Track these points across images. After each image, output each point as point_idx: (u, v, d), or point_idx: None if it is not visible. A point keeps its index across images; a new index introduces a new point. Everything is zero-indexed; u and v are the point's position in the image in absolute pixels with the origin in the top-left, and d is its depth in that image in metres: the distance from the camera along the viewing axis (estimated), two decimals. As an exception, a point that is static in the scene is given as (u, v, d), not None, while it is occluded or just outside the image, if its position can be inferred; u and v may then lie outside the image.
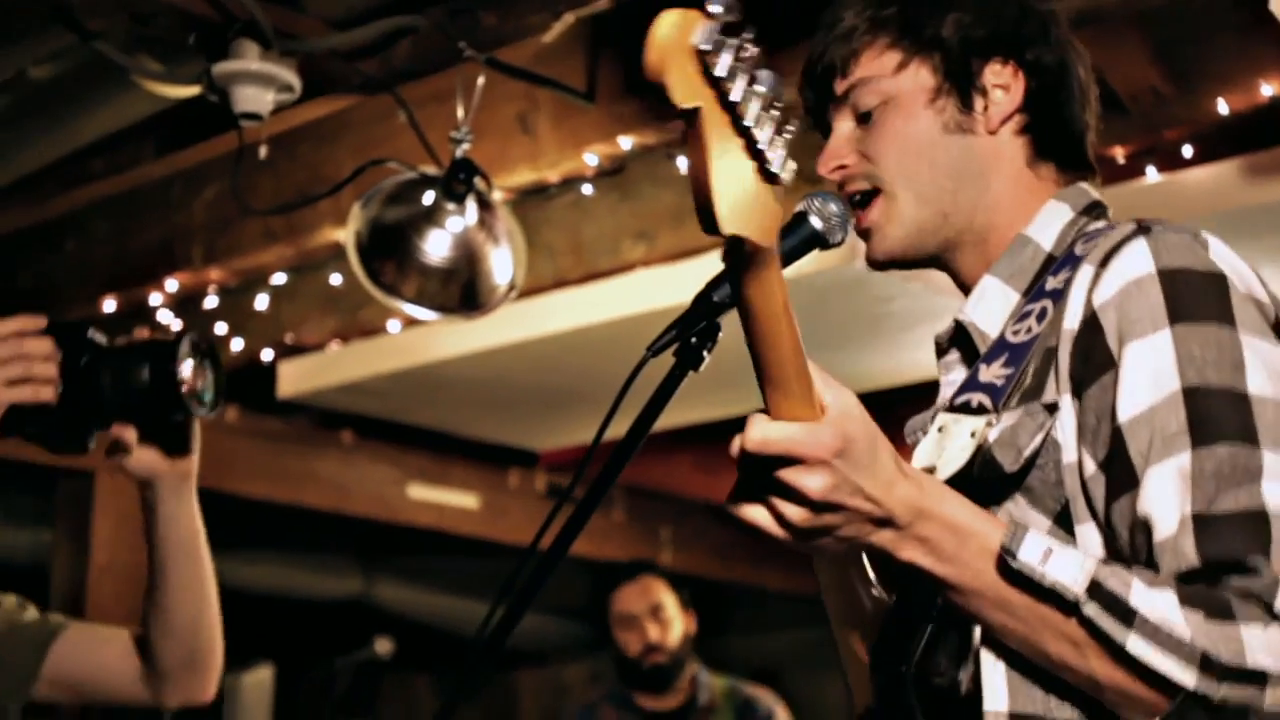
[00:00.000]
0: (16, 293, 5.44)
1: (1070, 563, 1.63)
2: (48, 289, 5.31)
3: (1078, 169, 2.00)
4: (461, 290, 3.81)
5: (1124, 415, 1.71)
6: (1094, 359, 1.75)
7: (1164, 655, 1.59)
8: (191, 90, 3.79)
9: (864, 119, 1.97)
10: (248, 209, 4.24)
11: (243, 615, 8.05)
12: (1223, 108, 3.74)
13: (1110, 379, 1.73)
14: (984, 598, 1.66)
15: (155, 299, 5.12)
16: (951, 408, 1.86)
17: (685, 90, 1.43)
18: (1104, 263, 1.78)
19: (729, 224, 1.48)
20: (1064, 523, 1.76)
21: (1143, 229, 1.80)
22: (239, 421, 6.49)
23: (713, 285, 1.88)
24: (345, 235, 3.86)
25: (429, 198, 3.77)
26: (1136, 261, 1.76)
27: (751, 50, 1.44)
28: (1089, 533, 1.75)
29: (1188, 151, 3.95)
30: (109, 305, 5.14)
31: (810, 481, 1.58)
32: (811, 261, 1.97)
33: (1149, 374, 1.70)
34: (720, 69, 1.42)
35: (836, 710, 6.21)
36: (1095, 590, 1.61)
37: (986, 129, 1.96)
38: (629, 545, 8.00)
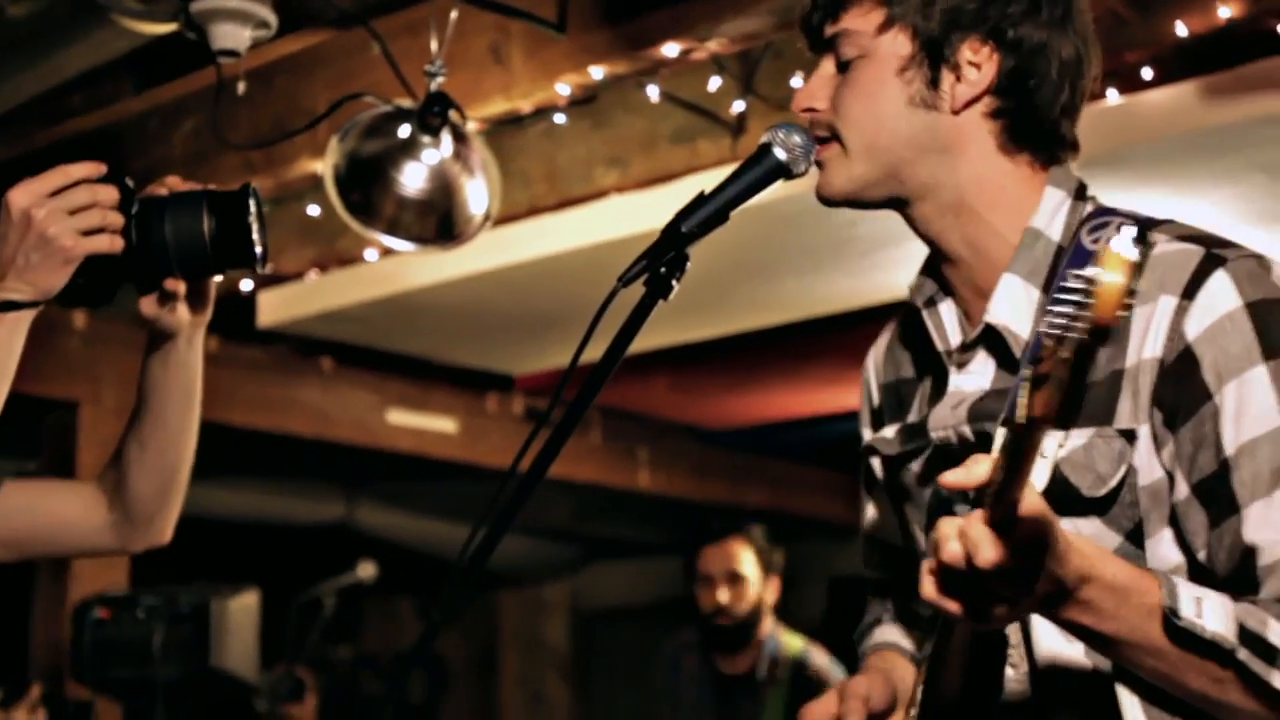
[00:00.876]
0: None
1: (1218, 612, 1.73)
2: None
3: (1054, 149, 2.00)
4: (438, 221, 3.89)
5: (1230, 448, 1.79)
6: (1189, 392, 1.81)
7: None
8: (169, 27, 3.85)
9: (843, 68, 1.99)
10: (227, 143, 4.30)
11: (228, 541, 8.18)
12: (1181, 30, 3.80)
13: (1210, 411, 1.80)
14: (1141, 649, 1.74)
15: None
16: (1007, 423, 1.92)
17: None
18: (1186, 294, 1.83)
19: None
20: (1135, 538, 1.85)
21: (1215, 257, 1.85)
22: (220, 350, 6.55)
23: (681, 216, 1.96)
24: (323, 168, 3.92)
25: (404, 131, 3.83)
26: (1224, 296, 1.82)
27: None
28: (1157, 545, 1.85)
29: (1147, 74, 4.02)
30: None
31: (1017, 587, 1.63)
32: (778, 187, 2.02)
33: (1252, 410, 1.78)
34: None
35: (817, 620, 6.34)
36: (1244, 635, 1.72)
37: (950, 108, 1.95)
38: (606, 466, 8.11)
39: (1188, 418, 1.82)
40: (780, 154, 1.98)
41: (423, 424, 7.40)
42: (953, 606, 1.65)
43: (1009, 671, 1.92)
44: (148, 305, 2.34)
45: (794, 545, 6.15)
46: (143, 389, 2.43)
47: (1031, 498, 1.60)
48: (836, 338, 5.98)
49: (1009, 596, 1.63)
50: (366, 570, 6.73)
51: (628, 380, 6.82)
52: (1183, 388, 1.82)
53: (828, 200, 2.04)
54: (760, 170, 1.98)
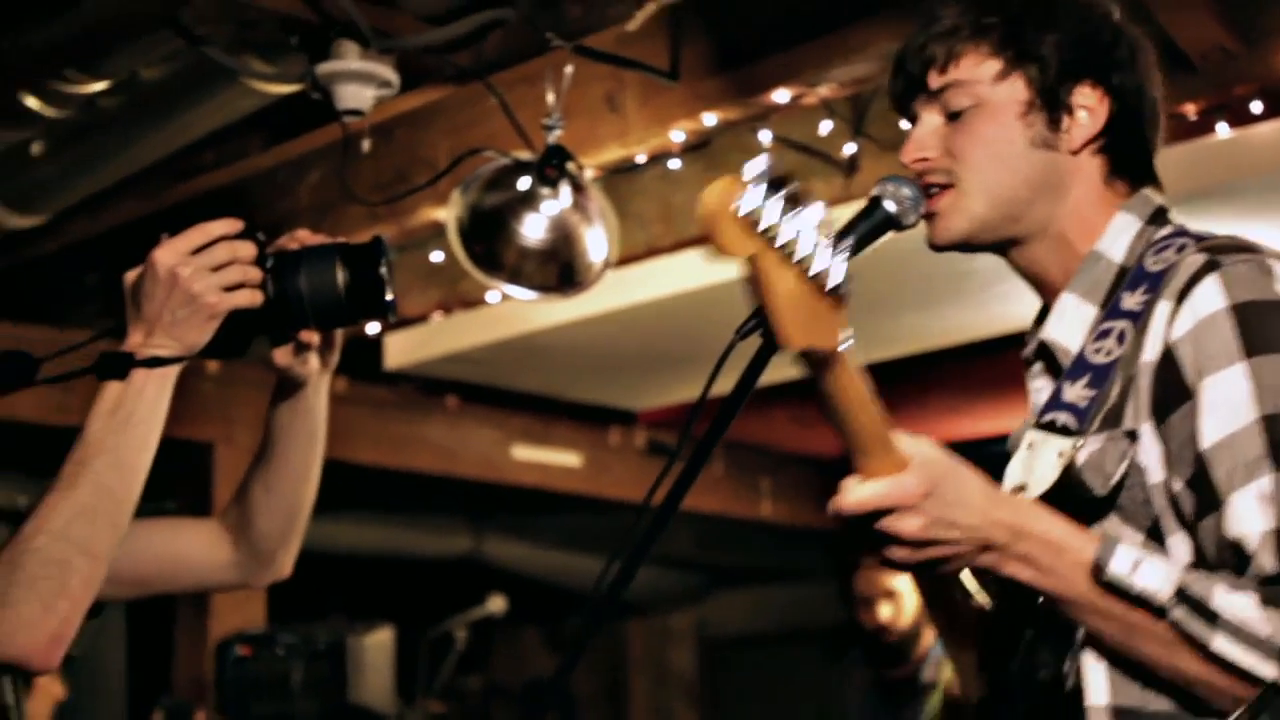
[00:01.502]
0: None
1: (1158, 572, 1.81)
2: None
3: (1147, 181, 2.11)
4: (559, 270, 4.00)
5: (1205, 443, 1.86)
6: (1173, 391, 1.89)
7: (1246, 651, 1.77)
8: (295, 88, 3.99)
9: (953, 117, 2.07)
10: (353, 197, 4.44)
11: (359, 577, 8.32)
12: (1290, 64, 3.84)
13: (1189, 409, 1.87)
14: (1082, 605, 1.84)
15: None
16: (1039, 425, 2.00)
17: (736, 245, 1.64)
18: (1180, 298, 1.91)
19: (796, 340, 1.71)
20: (1156, 536, 1.91)
21: (1212, 263, 1.93)
22: (349, 391, 6.71)
23: None
24: (446, 219, 4.04)
25: (524, 183, 3.94)
26: (1209, 299, 1.90)
27: (793, 192, 1.64)
28: (1179, 544, 1.90)
29: (1257, 108, 4.04)
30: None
31: (905, 525, 1.79)
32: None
33: (1227, 405, 1.85)
34: (764, 223, 1.63)
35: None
36: (1182, 595, 1.79)
37: (1069, 148, 2.06)
38: (730, 497, 8.18)
39: (1170, 416, 1.90)
40: (890, 206, 2.06)
41: (547, 459, 7.52)
42: (886, 555, 1.82)
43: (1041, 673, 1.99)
44: (281, 355, 2.43)
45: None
46: (270, 433, 2.52)
47: (921, 445, 1.80)
48: (955, 369, 6.03)
49: (911, 543, 1.79)
50: (496, 604, 6.85)
51: (749, 413, 6.87)
52: (1168, 388, 1.90)
53: (942, 247, 2.13)
54: (871, 223, 2.06)
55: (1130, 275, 2.01)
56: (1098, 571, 1.82)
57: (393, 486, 7.42)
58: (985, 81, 2.05)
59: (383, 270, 2.35)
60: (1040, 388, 2.10)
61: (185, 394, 2.31)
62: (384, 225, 4.95)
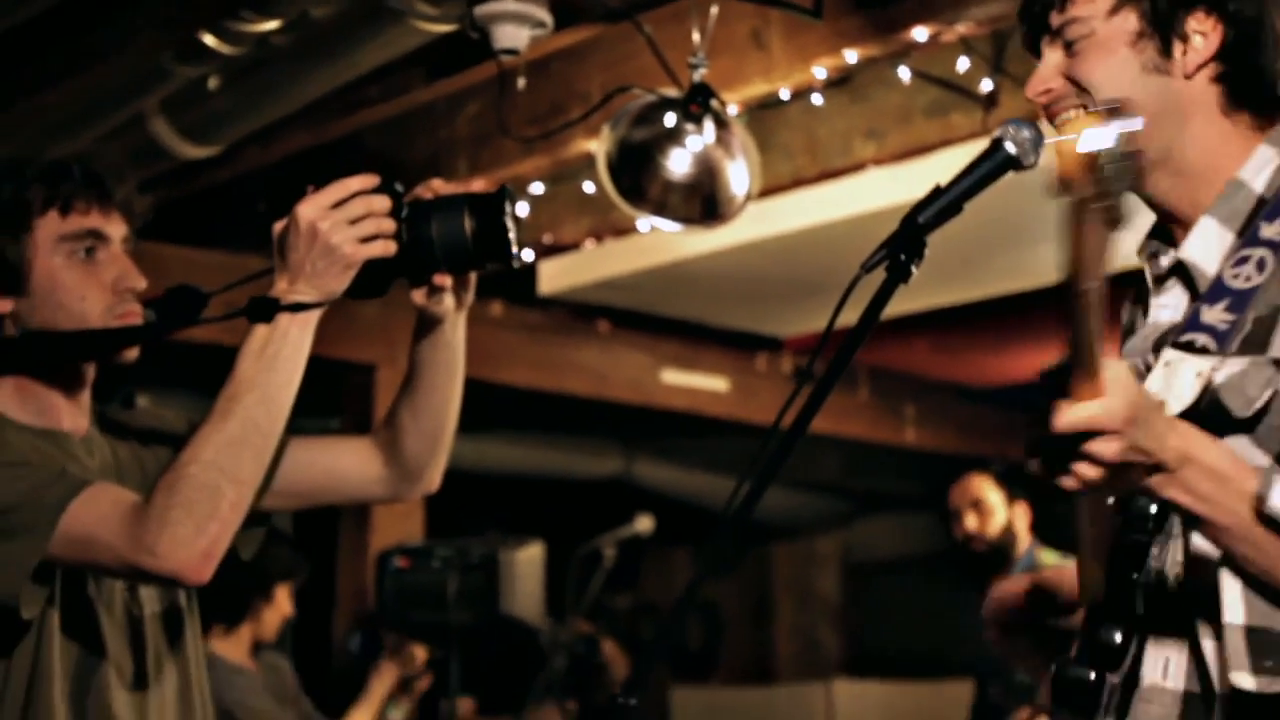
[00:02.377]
0: (294, 204, 5.94)
1: None
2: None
3: (1273, 112, 2.15)
4: (702, 202, 4.19)
5: None
6: None
7: None
8: (455, 27, 4.20)
9: (1071, 51, 2.14)
10: (509, 134, 4.64)
11: (513, 495, 8.56)
12: None
13: None
14: (1235, 534, 1.92)
15: (426, 208, 5.56)
16: (1177, 344, 2.07)
17: (1080, 188, 1.74)
18: None
19: (1090, 281, 1.76)
20: None
21: None
22: (504, 315, 6.94)
23: (918, 208, 2.14)
24: (596, 154, 4.24)
25: (670, 119, 4.13)
26: None
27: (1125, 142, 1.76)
28: None
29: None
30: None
31: (1106, 449, 1.84)
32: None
33: None
34: (1109, 181, 1.73)
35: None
36: None
37: (1183, 73, 2.11)
38: (874, 422, 8.32)
39: None
40: (1010, 147, 2.14)
41: (695, 383, 7.70)
42: (1065, 482, 1.87)
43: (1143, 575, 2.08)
44: (418, 295, 2.63)
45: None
46: (413, 364, 2.73)
47: (1119, 370, 1.83)
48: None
49: (1109, 465, 1.85)
50: (644, 524, 7.02)
51: (892, 341, 7.04)
52: None
53: None
54: (991, 164, 2.15)
55: (1270, 206, 2.07)
56: (1259, 503, 1.90)
57: (546, 408, 7.63)
58: (1099, 16, 2.12)
59: (507, 219, 2.51)
60: (1166, 305, 2.16)
61: (349, 318, 2.51)
62: (539, 157, 5.15)
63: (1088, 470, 1.86)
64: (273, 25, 4.38)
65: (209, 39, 4.43)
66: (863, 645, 10.52)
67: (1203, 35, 2.12)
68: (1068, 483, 1.88)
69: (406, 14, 4.20)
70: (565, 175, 5.52)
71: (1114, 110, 1.72)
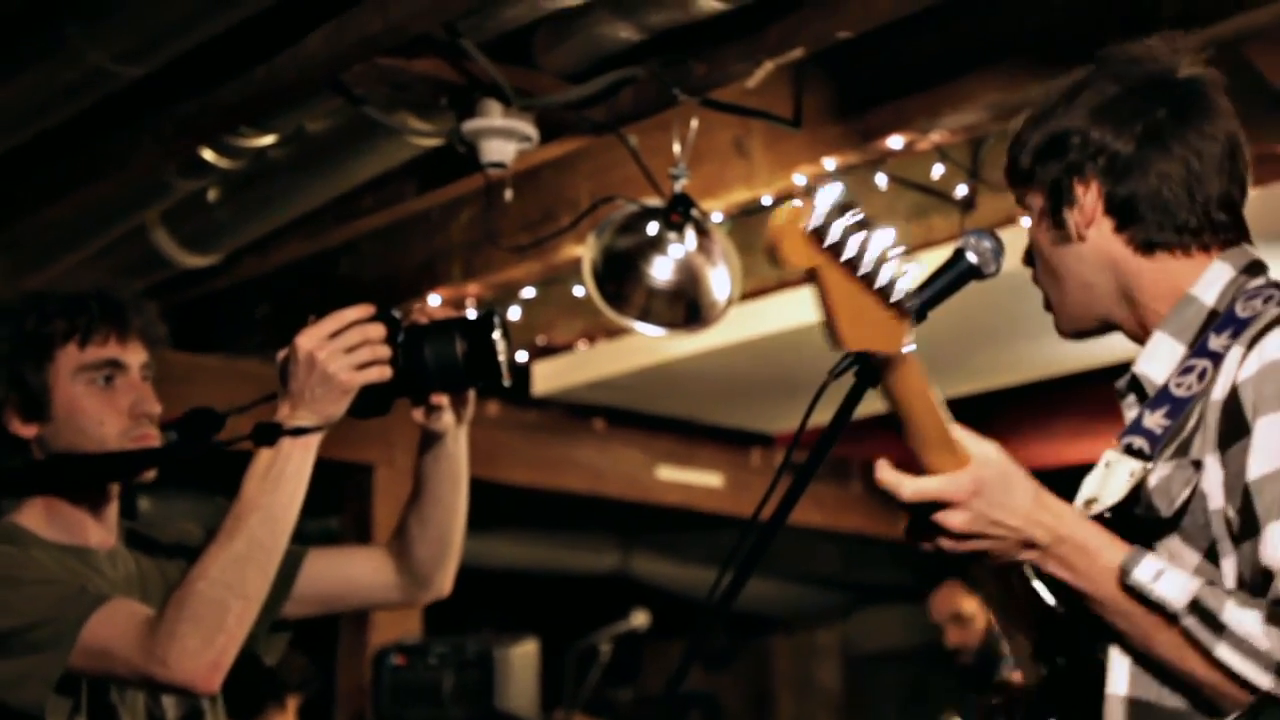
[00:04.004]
0: (291, 313, 6.09)
1: (1176, 583, 2.01)
2: (326, 307, 5.92)
3: (1232, 232, 2.24)
4: (685, 308, 4.32)
5: (1252, 475, 2.04)
6: (1234, 426, 2.06)
7: (1245, 661, 1.97)
8: (444, 141, 4.34)
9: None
10: (496, 244, 4.79)
11: (511, 591, 8.62)
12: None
13: (1244, 444, 2.05)
14: (1108, 606, 2.04)
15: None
16: (1120, 446, 2.18)
17: (801, 256, 1.88)
18: (1252, 344, 2.09)
19: (851, 342, 1.92)
20: (1212, 558, 2.09)
21: None
22: (501, 415, 7.05)
23: None
24: (583, 262, 4.38)
25: (653, 228, 4.27)
26: (1276, 346, 2.07)
27: (861, 216, 1.88)
28: (1231, 566, 2.07)
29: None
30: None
31: (951, 519, 2.00)
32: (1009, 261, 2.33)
33: (1275, 443, 2.03)
34: (829, 239, 1.87)
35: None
36: (1194, 606, 1.99)
37: (1078, 236, 2.22)
38: (869, 516, 8.40)
39: (1230, 449, 2.08)
40: (972, 257, 2.28)
41: (691, 479, 7.80)
42: (925, 545, 2.04)
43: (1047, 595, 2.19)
44: (418, 414, 2.80)
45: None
46: (419, 476, 2.90)
47: (983, 447, 2.00)
48: (1076, 394, 6.23)
49: (956, 535, 2.00)
50: (640, 618, 7.09)
51: (882, 436, 7.13)
52: (1231, 423, 2.08)
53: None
54: (954, 273, 2.28)
55: (1220, 319, 2.17)
56: (1123, 576, 2.02)
57: (543, 505, 7.73)
58: (1036, 209, 2.28)
59: (495, 342, 2.68)
60: (1130, 416, 2.25)
61: (348, 420, 2.66)
62: (529, 262, 5.29)
63: (942, 540, 2.02)
64: (269, 140, 4.53)
65: (208, 154, 4.58)
66: (863, 738, 10.55)
67: (1079, 202, 2.22)
68: (927, 547, 2.04)
69: (398, 129, 4.35)
70: (557, 279, 5.65)
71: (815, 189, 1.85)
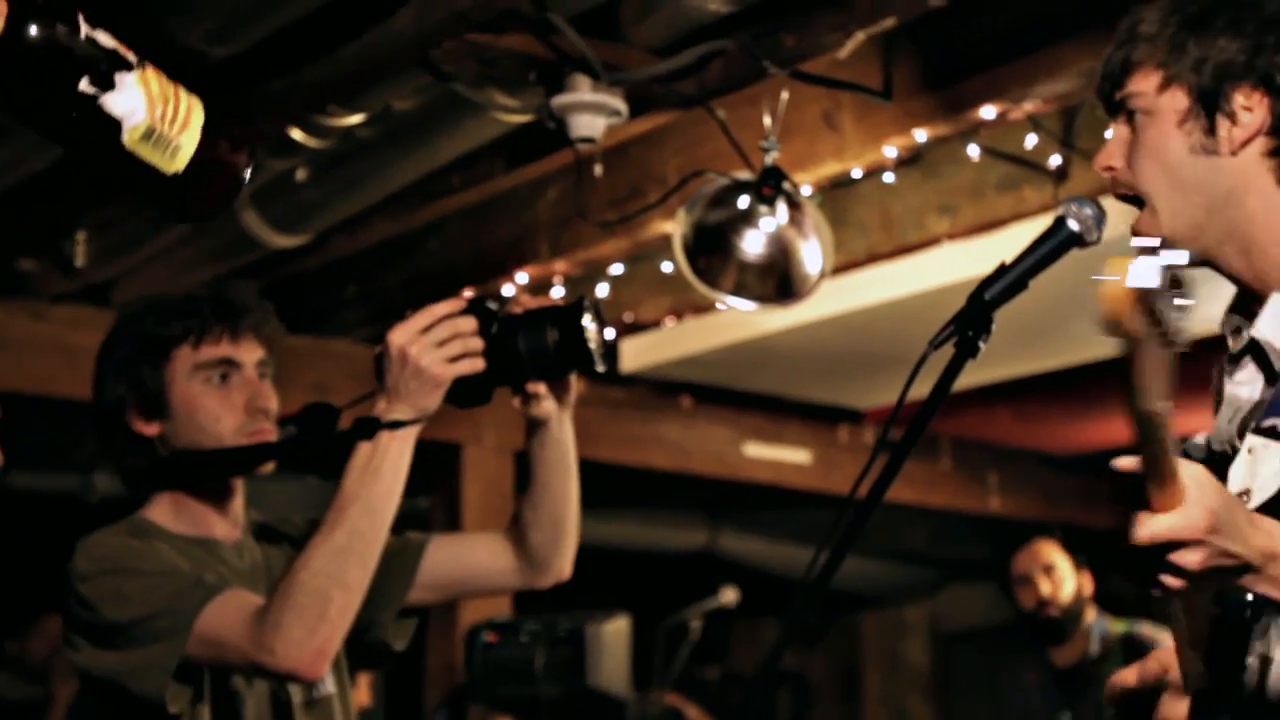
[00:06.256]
0: (386, 291, 6.10)
1: None
2: (414, 286, 5.95)
3: None
4: (777, 282, 4.29)
5: None
6: None
7: None
8: (533, 117, 4.33)
9: (1133, 127, 2.20)
10: (586, 218, 4.77)
11: (600, 569, 8.65)
12: None
13: None
14: None
15: (508, 290, 5.69)
16: (1259, 430, 2.09)
17: (1133, 325, 1.77)
18: None
19: (1152, 407, 1.78)
20: None
21: None
22: (588, 393, 6.98)
23: (985, 285, 2.21)
24: (673, 237, 4.36)
25: (744, 202, 4.23)
26: None
27: (1177, 278, 1.79)
28: None
29: None
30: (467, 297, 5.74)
31: (1189, 559, 1.89)
32: (1115, 224, 2.25)
33: None
34: (1159, 316, 1.77)
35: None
36: None
37: (1229, 150, 2.13)
38: (958, 492, 8.35)
39: None
40: (1073, 225, 2.22)
41: (778, 456, 7.77)
42: (1148, 588, 1.93)
43: (1250, 660, 2.08)
44: (518, 402, 2.88)
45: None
46: (529, 463, 2.97)
47: (1196, 473, 1.87)
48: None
49: (1186, 571, 1.89)
50: (729, 595, 7.08)
51: (974, 410, 7.09)
52: None
53: None
54: (1055, 241, 2.22)
55: None
56: None
57: (631, 483, 7.73)
58: (1151, 93, 2.17)
59: (585, 329, 2.74)
60: (1243, 381, 2.17)
61: (444, 405, 2.72)
62: (617, 238, 5.26)
63: (1173, 580, 1.90)
64: (357, 119, 4.53)
65: (296, 133, 4.58)
66: (952, 714, 10.49)
67: (1249, 110, 2.14)
68: (1156, 592, 1.93)
69: (485, 106, 4.33)
70: (644, 255, 5.63)
71: (1158, 247, 1.75)
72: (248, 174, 1.71)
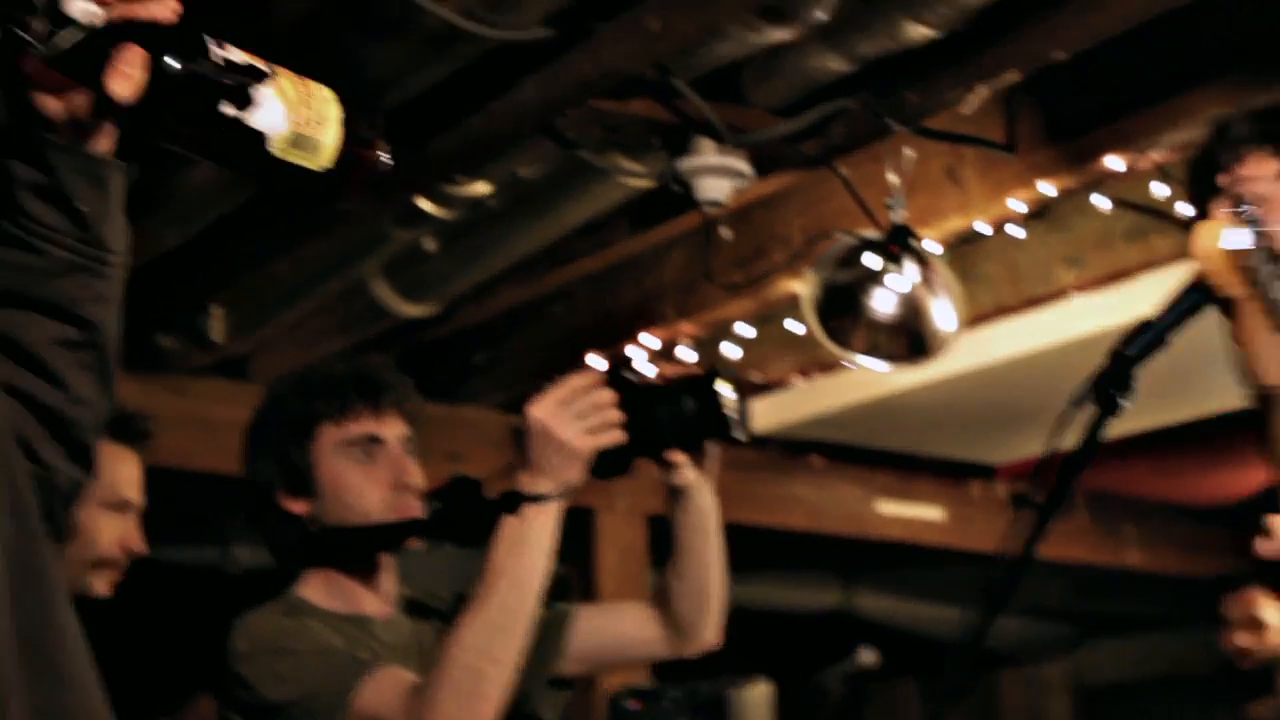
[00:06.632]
0: (514, 356, 6.15)
1: None
2: (541, 351, 5.99)
3: None
4: (908, 340, 4.28)
5: None
6: None
7: None
8: (656, 182, 4.36)
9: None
10: (714, 281, 4.78)
11: (737, 629, 8.59)
12: None
13: None
14: None
15: (634, 353, 5.72)
16: None
17: (1230, 283, 1.76)
18: None
19: (1270, 377, 1.83)
20: None
21: None
22: (720, 456, 7.03)
23: (1125, 342, 2.22)
24: (802, 298, 4.36)
25: (873, 261, 4.23)
26: None
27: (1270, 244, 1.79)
28: None
29: None
30: (594, 361, 5.78)
31: None
32: None
33: None
34: (1251, 267, 1.77)
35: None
36: None
37: None
38: (1095, 546, 8.24)
39: None
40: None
41: (911, 513, 7.71)
42: None
43: None
44: (661, 471, 2.88)
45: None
46: (672, 531, 2.96)
47: None
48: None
49: None
50: (869, 656, 7.00)
51: (1109, 463, 7.01)
52: None
53: None
54: (1194, 298, 2.20)
55: None
56: None
57: (764, 544, 7.70)
58: (1268, 178, 2.19)
59: (723, 395, 2.75)
60: None
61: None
62: (743, 299, 5.27)
63: None
64: (484, 188, 4.58)
65: (424, 203, 4.64)
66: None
67: None
68: None
69: (610, 171, 4.37)
70: (771, 316, 5.63)
71: (1254, 213, 1.74)
72: (388, 159, 1.74)
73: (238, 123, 1.61)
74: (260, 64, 1.63)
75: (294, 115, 1.64)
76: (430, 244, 5.10)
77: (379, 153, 1.72)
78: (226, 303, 5.45)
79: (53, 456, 1.66)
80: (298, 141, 1.65)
